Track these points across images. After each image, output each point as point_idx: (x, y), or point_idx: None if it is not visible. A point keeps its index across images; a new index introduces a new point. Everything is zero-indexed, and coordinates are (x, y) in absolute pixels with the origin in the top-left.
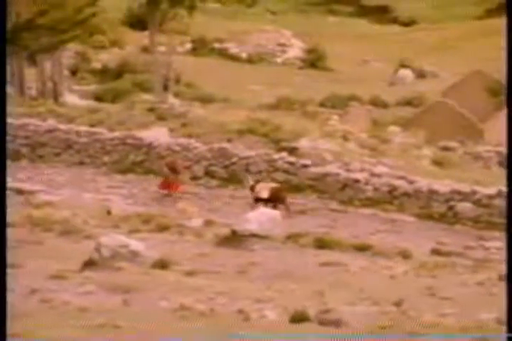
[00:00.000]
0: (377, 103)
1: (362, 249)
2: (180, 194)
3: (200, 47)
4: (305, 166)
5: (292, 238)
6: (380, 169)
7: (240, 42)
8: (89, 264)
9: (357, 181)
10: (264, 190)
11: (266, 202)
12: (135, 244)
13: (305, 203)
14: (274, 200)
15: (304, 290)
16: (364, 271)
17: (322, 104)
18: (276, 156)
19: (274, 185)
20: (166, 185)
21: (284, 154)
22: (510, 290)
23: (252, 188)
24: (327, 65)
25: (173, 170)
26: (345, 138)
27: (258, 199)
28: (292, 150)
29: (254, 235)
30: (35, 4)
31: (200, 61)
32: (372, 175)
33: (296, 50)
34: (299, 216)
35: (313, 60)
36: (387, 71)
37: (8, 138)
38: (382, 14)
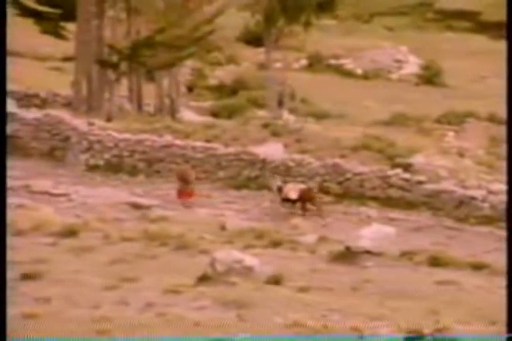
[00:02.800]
0: (494, 119)
1: (478, 267)
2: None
3: (316, 63)
4: (420, 183)
5: (406, 255)
6: (497, 186)
7: (356, 58)
8: (203, 279)
9: (473, 198)
10: (292, 191)
11: (294, 202)
12: (249, 259)
13: (419, 220)
14: (302, 201)
15: (418, 308)
16: (480, 290)
17: (438, 121)
18: (390, 172)
19: (302, 186)
20: (182, 195)
21: (398, 170)
22: (510, 289)
23: (280, 189)
24: (443, 81)
25: (184, 180)
26: (460, 154)
27: (286, 200)
28: (407, 167)
29: (367, 252)
30: (154, 22)
31: (315, 77)
32: (489, 192)
33: (412, 66)
34: (414, 233)
35: (430, 76)
36: (504, 87)
37: (125, 153)
38: (501, 30)
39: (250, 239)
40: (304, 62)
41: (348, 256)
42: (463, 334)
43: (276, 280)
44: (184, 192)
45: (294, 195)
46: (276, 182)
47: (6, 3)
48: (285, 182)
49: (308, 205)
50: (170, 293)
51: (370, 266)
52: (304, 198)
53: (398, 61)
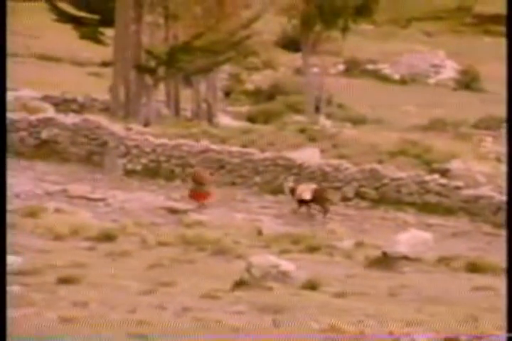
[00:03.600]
0: None
1: None
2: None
3: (353, 68)
4: (457, 188)
5: (444, 261)
6: None
7: (393, 63)
8: (240, 284)
9: None
10: (306, 192)
11: (309, 203)
12: (285, 264)
13: (457, 226)
14: (317, 201)
15: (455, 315)
16: None
17: (475, 126)
18: (428, 178)
19: (315, 186)
20: (194, 195)
21: (435, 176)
22: (510, 289)
23: (293, 191)
24: (481, 86)
25: (198, 181)
26: (498, 160)
27: (301, 201)
28: (444, 172)
29: (404, 257)
30: (191, 27)
31: (352, 82)
32: None
33: (449, 71)
34: (451, 239)
35: (467, 81)
36: None
37: (162, 158)
38: None
39: (287, 244)
40: (341, 67)
41: (385, 261)
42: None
43: (312, 286)
44: (197, 193)
45: (307, 195)
46: (288, 183)
47: (6, 3)
48: (297, 183)
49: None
50: (206, 297)
51: (407, 272)
52: (318, 198)
53: (436, 66)
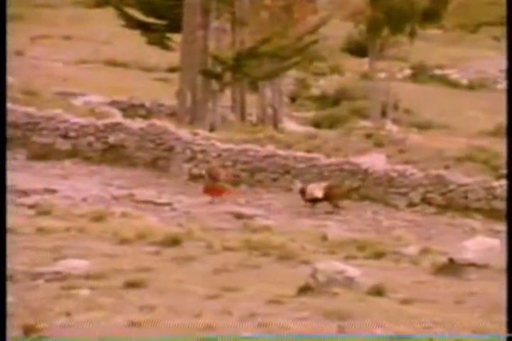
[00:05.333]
0: None
1: None
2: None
3: (420, 73)
4: None
5: None
6: None
7: (461, 68)
8: (305, 290)
9: None
10: (317, 190)
11: (321, 201)
12: (351, 270)
13: None
14: (329, 199)
15: None
16: None
17: None
18: (495, 184)
19: (324, 183)
20: (209, 191)
21: (503, 182)
22: (510, 289)
23: (303, 191)
24: None
25: (212, 177)
26: None
27: (313, 200)
28: None
29: (472, 264)
30: (258, 32)
31: (419, 87)
32: None
33: None
34: None
35: None
36: None
37: (228, 163)
38: None
39: (352, 250)
40: (407, 72)
41: (452, 268)
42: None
43: (378, 292)
44: (211, 189)
45: (319, 193)
46: (297, 185)
47: (6, 3)
48: (306, 183)
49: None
50: (271, 303)
51: (474, 279)
52: (330, 195)
53: (504, 71)
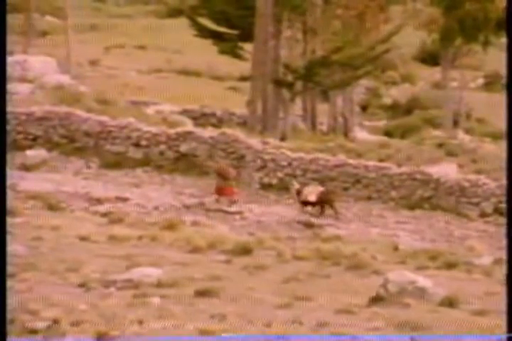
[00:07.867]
0: None
1: None
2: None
3: (494, 82)
4: None
5: None
6: None
7: None
8: (376, 300)
9: None
10: (312, 194)
11: (313, 205)
12: (422, 280)
13: None
14: (322, 203)
15: None
16: None
17: None
18: None
19: (321, 188)
20: (220, 191)
21: None
22: (510, 290)
23: (299, 192)
24: None
25: (222, 176)
26: None
27: (306, 203)
28: None
29: None
30: (330, 41)
31: (492, 96)
32: None
33: None
34: None
35: None
36: None
37: (298, 172)
38: None
39: (424, 260)
40: (481, 81)
41: None
42: None
43: (450, 303)
44: (223, 189)
45: (313, 197)
46: (295, 184)
47: (6, 4)
48: (303, 185)
49: (327, 208)
50: (342, 312)
51: None
52: (323, 201)
53: None
